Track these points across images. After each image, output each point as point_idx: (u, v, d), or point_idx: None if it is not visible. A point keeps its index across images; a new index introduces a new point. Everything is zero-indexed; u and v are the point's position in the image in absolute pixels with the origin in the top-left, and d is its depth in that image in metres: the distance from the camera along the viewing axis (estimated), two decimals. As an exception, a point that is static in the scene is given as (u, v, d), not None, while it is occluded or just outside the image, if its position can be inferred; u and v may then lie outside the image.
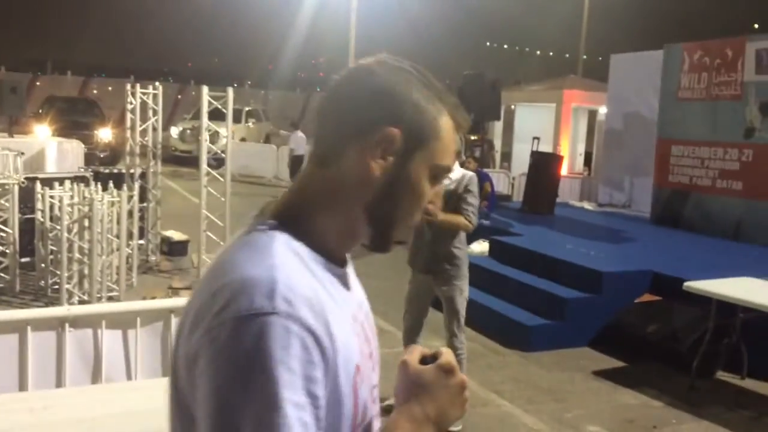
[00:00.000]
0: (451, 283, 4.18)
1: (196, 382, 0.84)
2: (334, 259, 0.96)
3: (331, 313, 0.88)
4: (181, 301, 3.00)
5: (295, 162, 15.27)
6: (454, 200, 4.11)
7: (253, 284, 0.84)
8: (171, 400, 0.93)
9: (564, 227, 9.10)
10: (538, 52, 61.31)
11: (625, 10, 41.18)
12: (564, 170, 14.15)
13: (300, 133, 15.55)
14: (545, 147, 14.65)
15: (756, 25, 37.76)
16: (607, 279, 6.12)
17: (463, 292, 4.22)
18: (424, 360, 0.99)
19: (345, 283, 0.99)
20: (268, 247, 0.90)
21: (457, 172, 4.18)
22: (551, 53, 57.45)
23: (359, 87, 0.95)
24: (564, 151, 15.32)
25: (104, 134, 17.78)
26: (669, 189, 9.60)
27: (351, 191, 0.94)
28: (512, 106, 17.65)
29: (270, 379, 0.79)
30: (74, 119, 17.50)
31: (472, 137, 15.51)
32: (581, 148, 17.33)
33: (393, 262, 8.62)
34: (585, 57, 30.18)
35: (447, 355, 0.98)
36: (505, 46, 64.83)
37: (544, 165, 10.48)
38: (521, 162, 14.11)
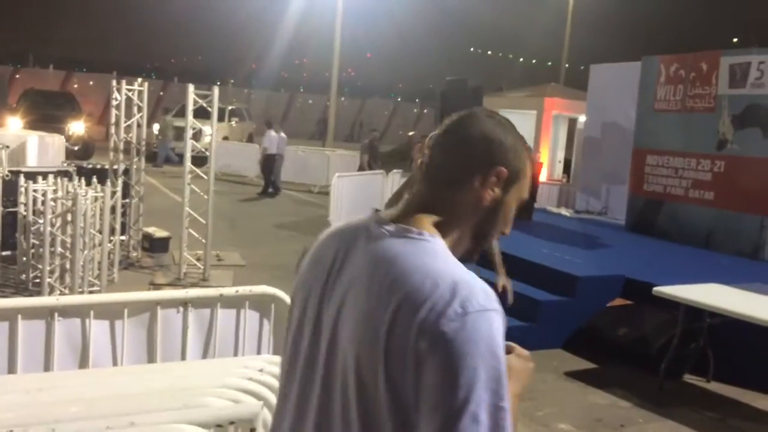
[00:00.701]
0: None
1: (430, 363, 1.00)
2: None
3: None
4: (167, 294, 3.09)
5: (267, 160, 15.29)
6: None
7: (470, 287, 1.06)
8: (361, 401, 1.07)
9: (541, 232, 9.28)
10: (522, 60, 61.81)
11: (608, 21, 41.73)
12: (543, 177, 14.38)
13: (273, 133, 15.53)
14: (525, 153, 14.86)
15: (735, 39, 38.46)
16: (581, 283, 6.29)
17: None
18: None
19: None
20: (445, 253, 1.14)
21: None
22: (534, 61, 57.98)
23: (480, 132, 1.23)
24: (544, 158, 15.55)
25: (77, 128, 17.79)
26: (644, 197, 9.84)
27: (468, 212, 1.22)
28: (494, 113, 17.87)
29: (499, 360, 1.03)
30: (47, 112, 17.49)
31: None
32: (561, 156, 17.57)
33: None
34: (567, 66, 30.54)
35: (517, 346, 1.25)
36: (489, 53, 65.29)
37: (523, 171, 10.63)
38: (501, 168, 14.28)
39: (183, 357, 2.99)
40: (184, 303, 3.04)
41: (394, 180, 12.34)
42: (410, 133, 24.81)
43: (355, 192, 11.23)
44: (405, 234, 1.14)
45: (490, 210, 1.22)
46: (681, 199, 9.23)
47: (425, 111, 37.50)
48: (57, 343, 2.72)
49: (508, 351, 1.22)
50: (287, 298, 3.29)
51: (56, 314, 2.73)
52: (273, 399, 2.17)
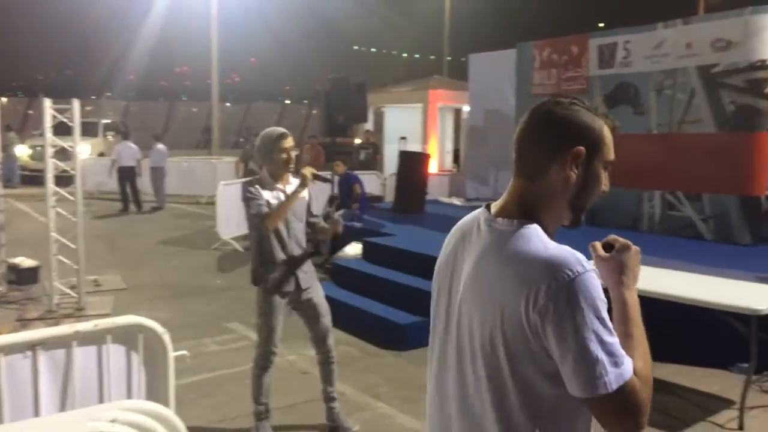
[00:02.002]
0: (317, 284, 4.10)
1: (549, 329, 1.25)
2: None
3: None
4: (8, 338, 2.69)
5: (122, 173, 14.56)
6: (305, 210, 4.04)
7: (564, 261, 1.28)
8: (497, 375, 1.32)
9: (434, 224, 9.27)
10: (405, 55, 62.54)
11: (485, 10, 42.91)
12: (434, 168, 14.48)
13: (130, 144, 14.83)
14: (415, 146, 14.92)
15: (601, 24, 40.51)
16: (475, 272, 6.26)
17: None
18: (605, 248, 1.50)
19: None
20: (542, 236, 1.35)
21: (294, 180, 4.05)
22: (417, 55, 58.81)
23: (549, 122, 1.40)
24: (432, 149, 15.68)
25: None
26: (530, 181, 10.03)
27: (558, 195, 1.40)
28: (381, 108, 17.85)
29: (599, 309, 1.25)
30: None
31: (357, 141, 15.46)
32: (449, 146, 17.81)
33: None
34: (449, 58, 31.08)
35: (616, 238, 1.50)
36: (373, 50, 65.61)
37: (412, 164, 10.64)
38: (392, 162, 14.29)
39: (36, 411, 2.60)
40: (32, 346, 2.65)
41: (283, 184, 11.99)
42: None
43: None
44: (508, 226, 1.37)
45: (580, 185, 1.40)
46: (564, 180, 9.47)
47: (314, 112, 37.11)
48: None
49: (609, 246, 1.48)
50: (157, 327, 2.97)
51: None
52: (127, 453, 1.87)
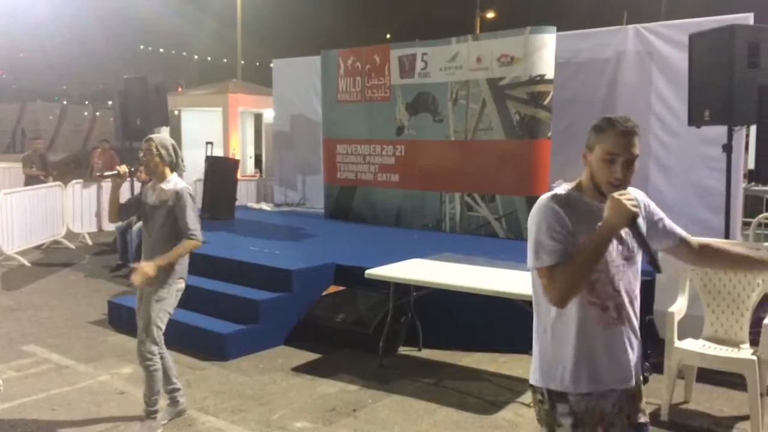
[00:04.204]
0: (153, 294, 4.12)
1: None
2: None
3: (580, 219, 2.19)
4: None
5: None
6: (167, 215, 4.11)
7: (542, 196, 2.24)
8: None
9: (247, 230, 9.14)
10: (196, 57, 60.56)
11: (279, 17, 42.99)
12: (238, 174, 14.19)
13: None
14: (217, 151, 14.52)
15: (388, 35, 42.61)
16: (295, 276, 6.30)
17: (161, 300, 4.13)
18: None
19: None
20: (556, 190, 2.23)
21: (170, 184, 4.17)
22: (209, 58, 57.26)
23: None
24: (236, 153, 15.39)
25: None
26: (338, 185, 10.30)
27: (587, 171, 2.21)
28: (176, 112, 17.12)
29: (542, 222, 2.18)
30: None
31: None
32: (251, 151, 17.61)
33: (58, 289, 7.67)
34: (243, 62, 30.68)
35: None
36: (162, 50, 62.61)
37: (220, 169, 10.39)
38: (193, 168, 13.78)
39: None
40: None
41: (75, 191, 11.07)
42: None
43: (29, 208, 9.80)
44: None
45: (591, 171, 2.18)
46: (371, 184, 9.86)
47: (98, 114, 34.46)
48: None
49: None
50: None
51: None
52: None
